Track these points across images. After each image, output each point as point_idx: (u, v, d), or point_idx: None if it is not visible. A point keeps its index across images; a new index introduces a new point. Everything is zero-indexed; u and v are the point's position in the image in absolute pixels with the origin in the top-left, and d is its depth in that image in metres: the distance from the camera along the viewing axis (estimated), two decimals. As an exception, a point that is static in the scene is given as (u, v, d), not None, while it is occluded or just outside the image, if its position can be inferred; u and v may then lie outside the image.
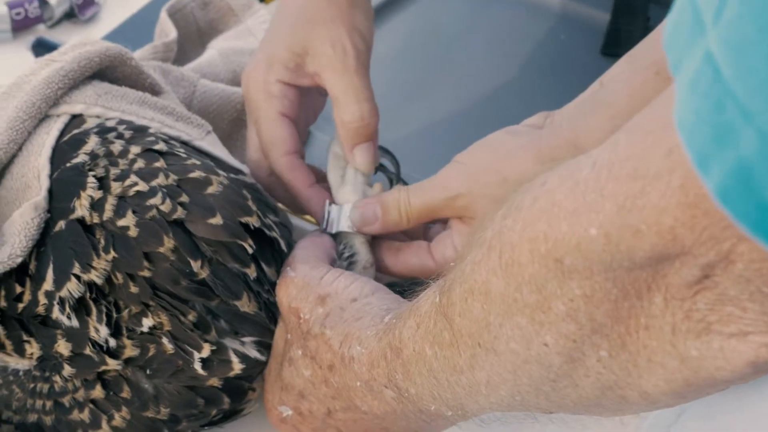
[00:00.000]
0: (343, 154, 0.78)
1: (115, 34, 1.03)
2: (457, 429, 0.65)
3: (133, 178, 0.69)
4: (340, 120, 0.77)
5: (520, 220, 0.48)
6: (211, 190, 0.69)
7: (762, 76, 0.35)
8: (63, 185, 0.69)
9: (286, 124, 0.78)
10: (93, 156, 0.70)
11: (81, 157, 0.70)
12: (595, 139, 0.67)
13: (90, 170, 0.69)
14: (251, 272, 0.68)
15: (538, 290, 0.47)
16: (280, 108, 0.78)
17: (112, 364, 0.66)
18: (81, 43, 0.79)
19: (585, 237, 0.44)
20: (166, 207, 0.67)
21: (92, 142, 0.71)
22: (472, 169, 0.72)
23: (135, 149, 0.71)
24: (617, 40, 0.99)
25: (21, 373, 0.68)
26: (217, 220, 0.67)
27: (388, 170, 0.81)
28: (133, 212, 0.67)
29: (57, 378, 0.67)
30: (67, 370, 0.67)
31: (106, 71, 0.79)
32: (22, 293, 0.67)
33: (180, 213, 0.67)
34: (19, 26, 1.05)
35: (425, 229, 0.78)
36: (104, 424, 0.67)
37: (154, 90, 0.81)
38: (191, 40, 1.00)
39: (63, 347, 0.66)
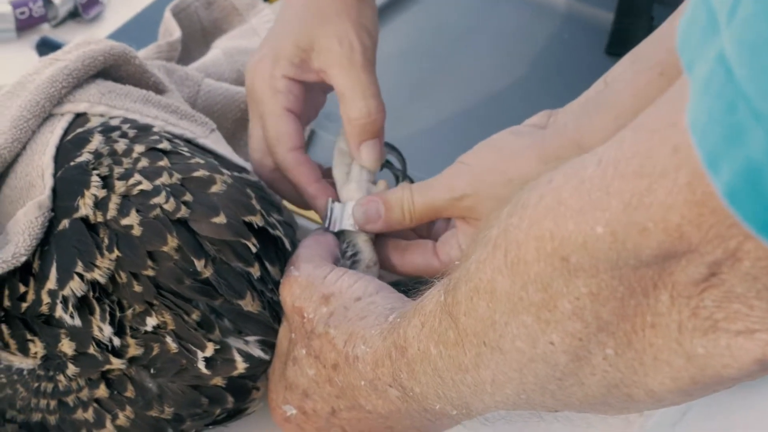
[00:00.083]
0: (349, 151, 0.78)
1: (119, 33, 1.03)
2: (461, 428, 0.65)
3: (137, 177, 0.68)
4: (347, 116, 0.77)
5: (526, 219, 0.48)
6: (214, 189, 0.69)
7: None
8: (67, 184, 0.69)
9: (291, 119, 0.78)
10: (97, 155, 0.70)
11: (85, 156, 0.70)
12: (599, 139, 0.66)
13: (94, 169, 0.69)
14: (255, 271, 0.68)
15: (544, 288, 0.47)
16: (286, 103, 0.78)
17: (116, 364, 0.66)
18: (85, 42, 0.79)
19: (591, 235, 0.44)
20: (169, 206, 0.67)
21: (96, 141, 0.71)
22: (476, 170, 0.72)
23: (139, 148, 0.71)
24: (621, 40, 0.99)
25: (25, 372, 0.68)
26: (220, 219, 0.67)
27: (394, 167, 0.81)
28: (137, 211, 0.67)
29: (61, 377, 0.67)
30: (71, 369, 0.67)
31: (110, 70, 0.79)
32: (25, 292, 0.67)
33: (184, 212, 0.67)
34: (24, 25, 1.05)
35: (429, 226, 0.78)
36: (108, 424, 0.67)
37: (158, 89, 0.81)
38: (195, 40, 1.00)
39: (67, 346, 0.66)
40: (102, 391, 0.67)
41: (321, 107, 0.84)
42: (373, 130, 0.77)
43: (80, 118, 0.75)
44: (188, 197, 0.68)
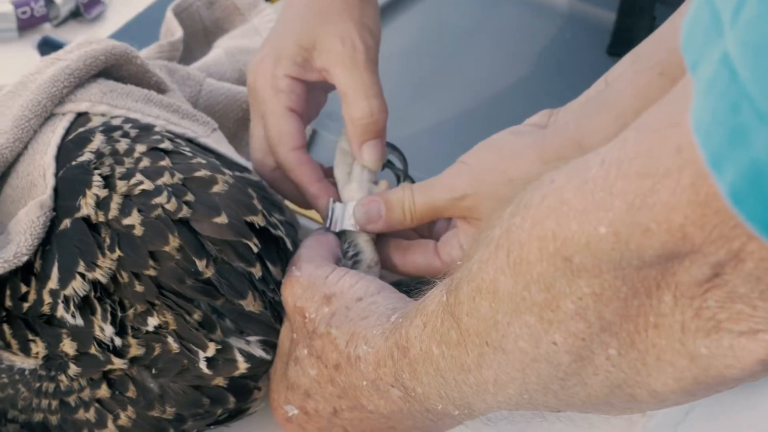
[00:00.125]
0: (351, 151, 0.78)
1: (121, 33, 1.03)
2: (464, 428, 0.65)
3: (139, 176, 0.68)
4: (349, 116, 0.77)
5: (528, 218, 0.47)
6: (216, 189, 0.69)
7: None
8: (68, 184, 0.69)
9: (293, 118, 0.78)
10: (98, 154, 0.70)
11: (86, 156, 0.70)
12: (599, 138, 0.67)
13: (95, 169, 0.69)
14: (256, 271, 0.68)
15: (547, 289, 0.47)
16: (288, 103, 0.78)
17: (118, 363, 0.66)
18: (86, 42, 0.79)
19: (594, 235, 0.44)
20: (171, 206, 0.67)
21: (98, 141, 0.71)
22: (477, 170, 0.72)
23: (140, 148, 0.71)
24: (623, 40, 0.99)
25: (27, 372, 0.68)
26: (222, 219, 0.67)
27: (396, 167, 0.81)
28: (139, 211, 0.67)
29: (62, 377, 0.67)
30: (73, 369, 0.67)
31: (112, 70, 0.79)
32: (27, 292, 0.67)
33: (185, 212, 0.67)
34: (25, 25, 1.05)
35: (430, 225, 0.78)
36: (110, 424, 0.67)
37: (160, 88, 0.81)
38: (197, 39, 1.00)
39: (68, 346, 0.66)
40: (103, 391, 0.67)
41: (322, 107, 0.84)
42: (375, 130, 0.77)
43: (82, 117, 0.75)
44: (190, 197, 0.68)
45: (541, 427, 0.61)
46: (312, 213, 0.83)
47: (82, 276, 0.66)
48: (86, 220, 0.67)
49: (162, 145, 0.72)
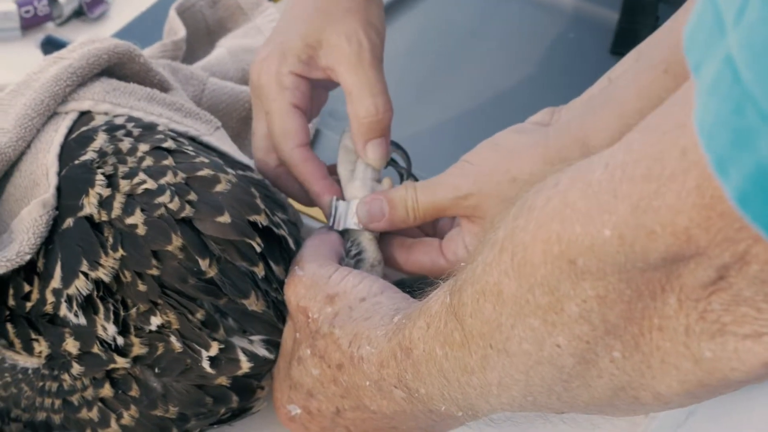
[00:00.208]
0: (355, 148, 0.78)
1: (124, 32, 1.03)
2: (466, 428, 0.65)
3: (142, 176, 0.68)
4: (355, 115, 0.76)
5: (532, 221, 0.47)
6: (219, 188, 0.69)
7: None
8: (71, 183, 0.69)
9: (298, 115, 0.77)
10: (101, 153, 0.70)
11: (89, 155, 0.70)
12: (603, 137, 0.67)
13: (98, 168, 0.69)
14: (259, 271, 0.68)
15: (551, 291, 0.47)
16: (293, 100, 0.77)
17: (121, 363, 0.66)
18: (89, 41, 0.79)
19: (599, 238, 0.44)
20: (174, 205, 0.67)
21: (100, 140, 0.71)
22: (480, 169, 0.72)
23: (143, 147, 0.71)
24: (627, 40, 0.98)
25: (30, 371, 0.68)
26: (225, 218, 0.67)
27: (399, 165, 0.81)
28: (142, 210, 0.67)
29: (66, 376, 0.67)
30: (76, 368, 0.67)
31: (114, 69, 0.79)
32: (30, 291, 0.67)
33: (188, 211, 0.67)
34: (28, 24, 1.05)
35: (433, 223, 0.78)
36: (113, 423, 0.67)
37: (163, 87, 0.81)
38: (200, 39, 1.00)
39: (71, 345, 0.66)
40: (106, 391, 0.67)
41: (323, 105, 0.84)
42: (380, 129, 0.76)
43: (84, 116, 0.75)
44: (193, 196, 0.68)
45: (544, 428, 0.61)
46: (314, 211, 0.83)
47: (85, 275, 0.66)
48: (89, 219, 0.67)
49: (165, 144, 0.71)
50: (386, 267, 0.76)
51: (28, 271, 0.68)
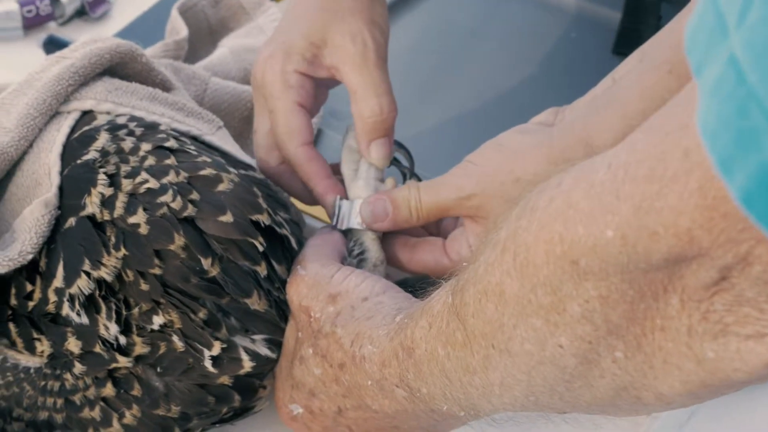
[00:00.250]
0: (358, 148, 0.78)
1: (126, 31, 1.03)
2: (468, 428, 0.65)
3: (144, 175, 0.68)
4: (359, 114, 0.76)
5: (535, 221, 0.47)
6: (221, 187, 0.69)
7: None
8: (73, 182, 0.69)
9: (302, 114, 0.77)
10: (104, 153, 0.70)
11: (91, 154, 0.70)
12: (606, 137, 0.67)
13: (101, 167, 0.69)
14: (262, 270, 0.68)
15: (553, 291, 0.47)
16: (297, 98, 0.77)
17: (123, 362, 0.66)
18: (92, 40, 0.79)
19: (601, 239, 0.44)
20: (176, 204, 0.67)
21: (103, 139, 0.71)
22: (484, 169, 0.72)
23: (146, 146, 0.71)
24: (629, 39, 0.98)
25: (32, 370, 0.68)
26: (227, 217, 0.67)
27: (402, 164, 0.81)
28: (144, 210, 0.67)
29: (68, 376, 0.67)
30: (78, 367, 0.67)
31: (117, 68, 0.79)
32: (32, 291, 0.67)
33: (191, 210, 0.67)
34: (31, 24, 1.05)
35: (437, 222, 0.78)
36: (115, 422, 0.67)
37: (165, 86, 0.81)
38: (202, 38, 1.00)
39: (73, 345, 0.66)
40: (109, 390, 0.67)
41: (323, 103, 0.84)
42: (384, 128, 0.76)
43: (87, 115, 0.75)
44: (195, 196, 0.68)
45: (546, 428, 0.61)
46: (316, 210, 0.83)
47: (88, 274, 0.66)
48: (91, 218, 0.67)
49: (167, 144, 0.71)
50: (389, 266, 0.76)
51: (30, 270, 0.68)
